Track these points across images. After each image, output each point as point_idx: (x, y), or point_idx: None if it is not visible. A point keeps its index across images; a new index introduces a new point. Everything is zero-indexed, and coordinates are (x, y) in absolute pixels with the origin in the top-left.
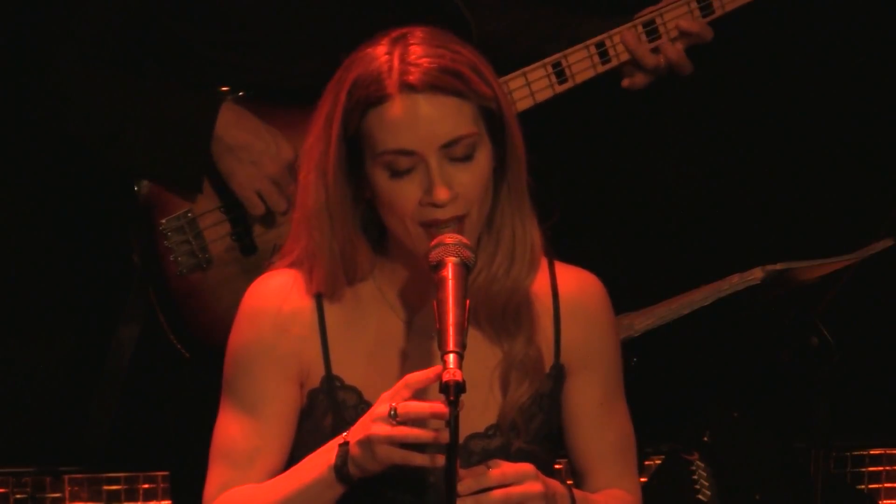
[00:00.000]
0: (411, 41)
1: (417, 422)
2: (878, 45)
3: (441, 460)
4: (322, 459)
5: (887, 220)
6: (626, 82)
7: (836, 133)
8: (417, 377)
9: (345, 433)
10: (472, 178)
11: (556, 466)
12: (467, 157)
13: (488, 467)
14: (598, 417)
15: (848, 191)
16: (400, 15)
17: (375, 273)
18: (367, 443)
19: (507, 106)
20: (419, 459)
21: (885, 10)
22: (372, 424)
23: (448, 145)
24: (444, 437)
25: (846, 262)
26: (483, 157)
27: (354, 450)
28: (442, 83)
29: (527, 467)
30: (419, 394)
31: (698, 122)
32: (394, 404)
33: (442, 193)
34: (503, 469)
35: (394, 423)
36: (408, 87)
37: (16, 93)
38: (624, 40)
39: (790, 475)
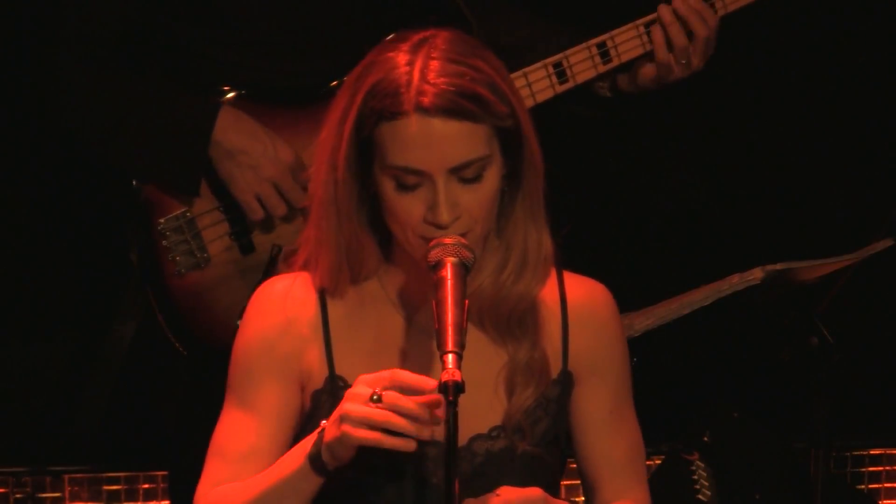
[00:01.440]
0: (432, 53)
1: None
2: (878, 45)
3: (413, 446)
4: (300, 450)
5: (887, 220)
6: (647, 72)
7: (836, 133)
8: (408, 379)
9: (324, 421)
10: (478, 198)
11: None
12: (476, 178)
13: (497, 495)
14: (607, 425)
15: (848, 191)
16: (402, 15)
17: (380, 272)
18: (341, 421)
19: (525, 119)
20: (389, 442)
21: (885, 10)
22: (347, 403)
23: (458, 168)
24: (425, 432)
25: (846, 262)
26: (492, 176)
27: (328, 432)
28: (458, 107)
29: (534, 493)
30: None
31: (698, 122)
32: (378, 390)
33: (446, 215)
34: (507, 497)
35: (372, 406)
36: (423, 109)
37: (15, 92)
38: (660, 15)
39: (790, 475)
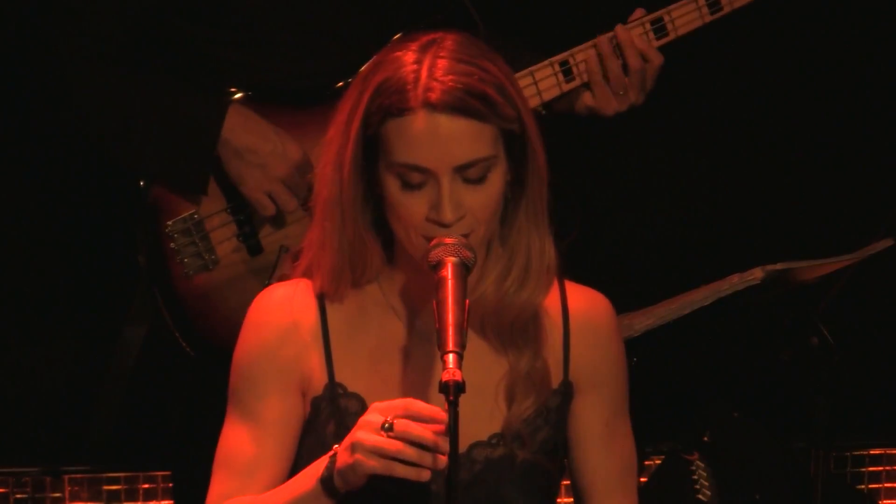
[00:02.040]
0: (441, 53)
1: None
2: (878, 45)
3: (427, 475)
4: (312, 472)
5: (887, 220)
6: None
7: (835, 133)
8: (420, 408)
9: (337, 445)
10: (482, 199)
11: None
12: (481, 179)
13: None
14: (602, 437)
15: (848, 191)
16: (408, 15)
17: (381, 277)
18: (353, 450)
19: (532, 124)
20: (401, 471)
21: (885, 10)
22: (360, 432)
23: (463, 167)
24: (438, 462)
25: (846, 262)
26: (496, 178)
27: (340, 459)
28: (465, 105)
29: None
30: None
31: (698, 121)
32: (390, 418)
33: (449, 215)
34: None
35: (385, 435)
36: (430, 106)
37: (22, 92)
38: (597, 45)
39: (790, 475)
